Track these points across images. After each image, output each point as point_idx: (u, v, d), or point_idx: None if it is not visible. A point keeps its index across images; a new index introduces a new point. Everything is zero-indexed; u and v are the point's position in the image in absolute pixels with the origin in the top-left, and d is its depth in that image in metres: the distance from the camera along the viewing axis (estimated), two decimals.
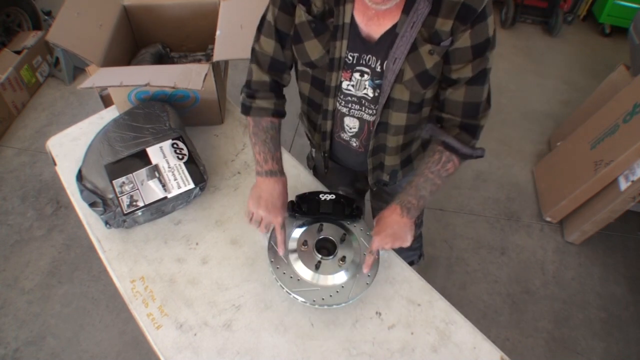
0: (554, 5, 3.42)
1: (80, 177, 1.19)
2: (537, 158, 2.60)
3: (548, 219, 2.28)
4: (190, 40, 1.66)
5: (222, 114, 1.43)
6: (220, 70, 1.45)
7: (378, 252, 1.06)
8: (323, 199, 1.12)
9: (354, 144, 1.12)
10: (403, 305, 1.05)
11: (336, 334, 1.01)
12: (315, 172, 1.38)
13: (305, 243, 1.07)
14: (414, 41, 0.84)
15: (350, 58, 0.92)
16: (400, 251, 1.15)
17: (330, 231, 1.10)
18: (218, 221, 1.20)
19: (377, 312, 1.04)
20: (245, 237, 1.17)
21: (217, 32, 1.34)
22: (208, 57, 1.63)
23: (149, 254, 1.13)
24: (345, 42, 0.90)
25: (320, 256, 1.05)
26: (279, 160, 1.04)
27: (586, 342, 1.89)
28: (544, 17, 3.54)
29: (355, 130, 1.07)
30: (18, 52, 2.71)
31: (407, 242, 1.00)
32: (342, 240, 1.08)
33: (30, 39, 2.79)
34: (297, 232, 1.10)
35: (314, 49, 0.93)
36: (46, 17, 3.02)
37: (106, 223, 1.13)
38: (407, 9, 0.82)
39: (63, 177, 1.29)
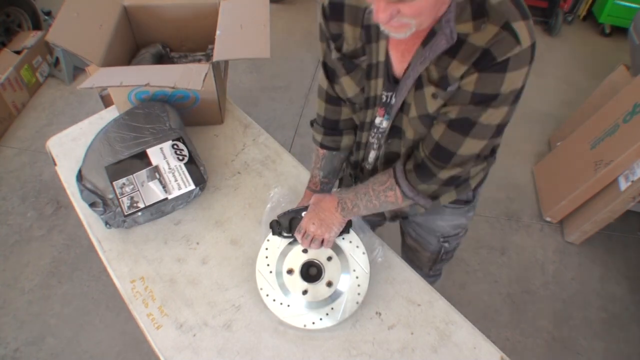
0: (554, 5, 3.42)
1: (80, 177, 1.19)
2: (537, 158, 2.60)
3: (548, 219, 2.27)
4: (190, 40, 1.65)
5: (222, 114, 1.43)
6: (220, 70, 1.45)
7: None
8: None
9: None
10: (403, 305, 1.05)
11: (336, 334, 1.01)
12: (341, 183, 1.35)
13: (290, 271, 1.05)
14: (421, 79, 0.79)
15: (385, 97, 0.88)
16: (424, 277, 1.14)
17: (316, 251, 1.06)
18: (218, 221, 1.20)
19: (377, 312, 1.04)
20: (245, 237, 1.17)
21: (217, 32, 1.34)
22: (208, 57, 1.62)
23: (149, 254, 1.13)
24: (380, 81, 0.86)
25: (306, 283, 1.03)
26: (314, 183, 1.16)
27: (586, 342, 1.89)
28: (544, 17, 3.53)
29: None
30: (18, 52, 2.70)
31: (331, 235, 1.01)
32: (330, 258, 1.06)
33: (30, 39, 2.79)
34: (282, 256, 1.07)
35: (349, 86, 0.92)
36: (46, 17, 3.01)
37: (106, 223, 1.13)
38: (425, 42, 0.76)
39: (63, 177, 1.29)
